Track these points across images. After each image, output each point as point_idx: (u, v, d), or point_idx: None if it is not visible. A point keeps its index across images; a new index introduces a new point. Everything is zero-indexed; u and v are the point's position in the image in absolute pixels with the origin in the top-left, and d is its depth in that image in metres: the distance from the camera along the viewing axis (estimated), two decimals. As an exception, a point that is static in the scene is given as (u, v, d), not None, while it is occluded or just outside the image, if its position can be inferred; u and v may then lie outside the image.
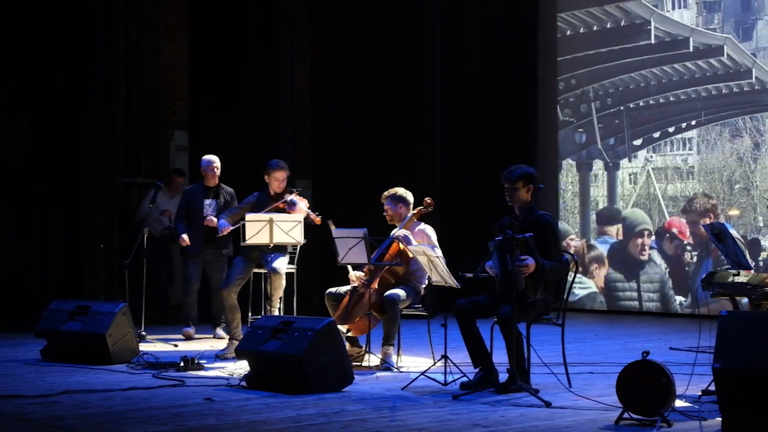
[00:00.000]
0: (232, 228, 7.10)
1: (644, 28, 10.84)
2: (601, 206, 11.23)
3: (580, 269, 10.55)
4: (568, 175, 11.42)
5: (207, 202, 7.85)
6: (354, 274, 6.40)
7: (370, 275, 6.30)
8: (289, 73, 9.77)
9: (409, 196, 6.50)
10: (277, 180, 7.03)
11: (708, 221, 9.88)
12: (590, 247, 11.10)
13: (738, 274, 5.32)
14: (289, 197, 6.94)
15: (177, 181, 9.06)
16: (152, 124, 11.54)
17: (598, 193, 11.26)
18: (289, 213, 6.87)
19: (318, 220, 6.92)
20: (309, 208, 6.98)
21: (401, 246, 6.22)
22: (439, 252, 6.09)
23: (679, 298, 10.42)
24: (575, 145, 11.40)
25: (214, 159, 7.92)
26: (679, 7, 10.66)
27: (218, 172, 7.85)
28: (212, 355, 6.71)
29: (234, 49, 9.63)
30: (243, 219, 6.85)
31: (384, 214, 6.46)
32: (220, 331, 7.80)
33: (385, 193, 6.47)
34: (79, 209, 8.60)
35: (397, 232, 6.39)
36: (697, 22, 10.53)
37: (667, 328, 9.12)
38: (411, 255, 6.15)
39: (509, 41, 11.18)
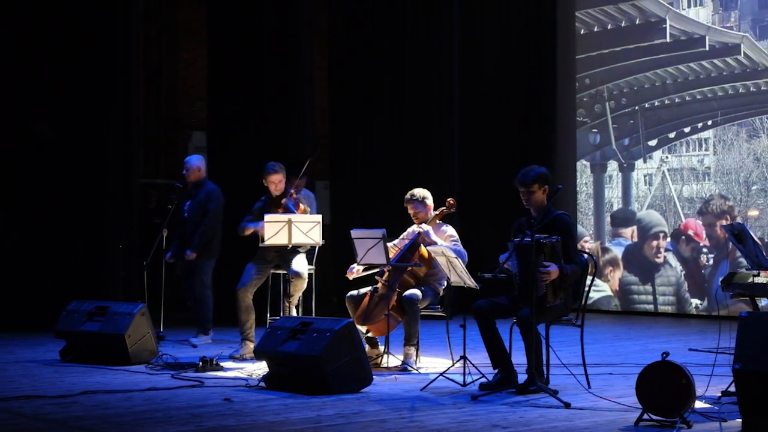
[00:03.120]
0: (253, 228, 7.02)
1: (659, 27, 10.78)
2: (615, 208, 11.17)
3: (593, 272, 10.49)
4: (582, 176, 11.37)
5: (187, 203, 7.83)
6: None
7: (393, 276, 6.31)
8: (308, 73, 9.79)
9: (431, 196, 6.53)
10: (273, 183, 7.04)
11: (725, 223, 9.83)
12: (605, 250, 11.03)
13: (758, 275, 5.29)
14: (286, 201, 6.95)
15: (294, 182, 9.06)
16: (171, 125, 11.59)
17: (613, 194, 11.20)
18: None
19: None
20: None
21: (424, 249, 6.24)
22: (459, 247, 6.16)
23: (695, 301, 10.34)
24: (589, 146, 11.35)
25: (187, 159, 7.93)
26: (695, 5, 10.60)
27: (188, 173, 7.78)
28: (225, 357, 6.68)
29: (252, 49, 9.66)
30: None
31: (414, 217, 6.46)
32: (198, 339, 7.70)
33: (409, 196, 6.47)
34: (99, 210, 8.66)
35: (418, 228, 6.41)
36: (714, 20, 10.46)
37: (686, 330, 9.09)
38: (428, 256, 6.17)
39: (527, 40, 11.16)
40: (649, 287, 10.67)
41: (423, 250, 6.26)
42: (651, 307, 10.65)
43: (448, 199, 6.50)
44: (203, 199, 7.77)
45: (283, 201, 6.97)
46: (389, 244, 6.38)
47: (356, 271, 6.47)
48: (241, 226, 7.10)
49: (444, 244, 6.15)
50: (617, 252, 10.99)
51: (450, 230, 6.45)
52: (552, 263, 5.21)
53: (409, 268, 6.29)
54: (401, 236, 6.58)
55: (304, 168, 7.15)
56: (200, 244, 7.70)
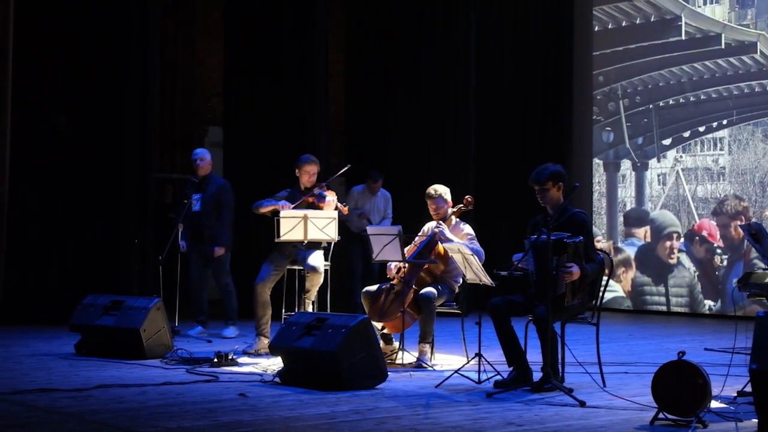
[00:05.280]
0: (271, 207, 6.99)
1: (675, 24, 10.72)
2: (628, 207, 11.11)
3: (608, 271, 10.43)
4: (595, 175, 11.31)
5: (195, 196, 7.87)
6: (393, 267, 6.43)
7: (410, 273, 6.31)
8: (324, 69, 9.80)
9: (449, 193, 6.54)
10: (308, 173, 7.05)
11: (739, 223, 9.76)
12: (617, 250, 10.96)
13: (775, 275, 5.27)
14: (317, 190, 6.97)
15: (372, 185, 9.34)
16: (187, 121, 11.63)
17: (626, 193, 11.14)
18: (318, 206, 6.90)
19: (345, 210, 6.99)
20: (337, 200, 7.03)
21: (441, 246, 6.24)
22: (477, 245, 6.15)
23: (708, 303, 10.28)
24: (603, 144, 11.30)
25: (198, 152, 8.02)
26: (711, 3, 10.53)
27: (203, 164, 7.87)
28: (239, 352, 6.66)
29: (269, 45, 9.69)
30: (277, 214, 6.88)
31: (434, 213, 6.46)
32: (228, 331, 7.76)
33: (431, 192, 6.47)
34: (114, 205, 8.71)
35: (434, 227, 6.40)
36: (730, 18, 10.39)
37: (701, 329, 9.05)
38: (444, 253, 6.17)
39: (544, 36, 11.15)
40: (662, 288, 10.61)
41: (440, 247, 6.26)
42: (664, 308, 10.58)
43: (466, 197, 6.52)
44: (215, 192, 7.83)
45: (315, 190, 6.97)
46: (407, 249, 6.39)
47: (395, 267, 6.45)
48: (256, 203, 7.08)
49: (460, 242, 6.15)
50: (630, 252, 10.93)
51: (467, 228, 6.46)
52: (574, 264, 5.20)
53: (426, 266, 6.29)
54: (419, 234, 6.58)
55: (337, 174, 7.17)
56: (226, 238, 7.78)
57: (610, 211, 11.21)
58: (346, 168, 7.10)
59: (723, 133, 10.49)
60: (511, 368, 5.42)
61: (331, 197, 6.93)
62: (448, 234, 6.29)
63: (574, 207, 5.65)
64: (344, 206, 7.00)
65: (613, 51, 11.23)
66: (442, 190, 6.48)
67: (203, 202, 7.83)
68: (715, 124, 10.55)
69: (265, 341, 6.77)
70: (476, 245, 6.26)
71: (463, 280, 6.14)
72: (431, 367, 6.17)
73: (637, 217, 10.99)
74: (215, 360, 6.08)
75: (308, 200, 6.96)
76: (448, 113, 10.69)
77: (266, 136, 9.59)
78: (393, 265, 6.44)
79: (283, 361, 5.66)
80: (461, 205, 6.48)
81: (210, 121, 11.53)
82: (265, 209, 6.99)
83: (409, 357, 6.32)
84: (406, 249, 6.38)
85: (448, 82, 10.69)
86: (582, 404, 4.88)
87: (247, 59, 9.78)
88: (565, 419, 4.58)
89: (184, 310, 8.06)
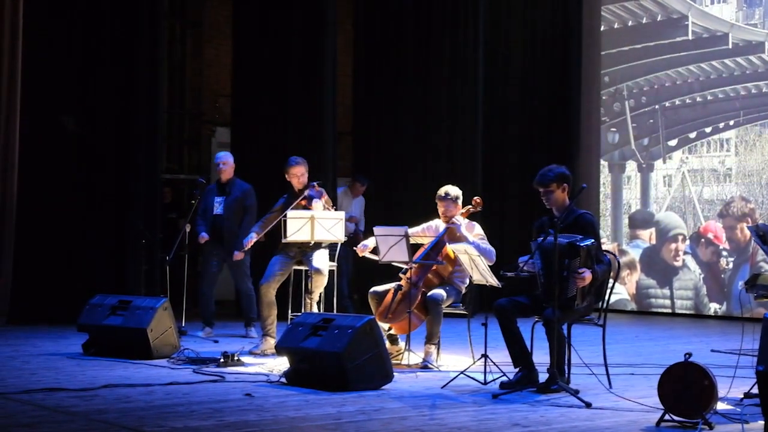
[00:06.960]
0: (256, 238, 7.11)
1: (681, 24, 10.70)
2: (633, 209, 11.08)
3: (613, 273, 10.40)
4: (600, 177, 11.29)
5: (218, 199, 7.82)
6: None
7: (418, 275, 6.32)
8: (332, 70, 9.81)
9: (461, 196, 6.55)
10: (296, 176, 7.08)
11: (746, 225, 9.73)
12: (622, 252, 10.93)
13: (782, 277, 5.26)
14: (308, 191, 6.99)
15: (358, 188, 9.56)
16: (195, 121, 11.66)
17: (631, 195, 11.12)
18: (309, 207, 6.92)
19: (332, 209, 7.02)
20: (325, 201, 7.04)
21: (449, 249, 6.24)
22: (488, 245, 6.20)
23: (713, 306, 10.25)
24: (608, 145, 11.28)
25: (222, 155, 7.96)
26: (719, 2, 10.50)
27: (226, 168, 7.82)
28: (246, 352, 6.67)
29: (277, 46, 9.70)
30: (272, 223, 6.92)
31: (443, 215, 6.46)
32: (252, 331, 7.82)
33: (443, 194, 6.46)
34: (122, 205, 8.72)
35: (449, 222, 6.42)
36: (737, 18, 10.37)
37: (708, 331, 9.06)
38: (453, 255, 6.18)
39: (553, 36, 11.17)
40: (667, 291, 10.58)
41: (448, 249, 6.26)
42: (669, 311, 10.55)
43: (475, 198, 6.52)
44: (240, 197, 7.80)
45: (306, 192, 7.00)
46: (410, 231, 6.39)
47: (368, 248, 6.48)
48: (244, 241, 7.21)
49: (473, 240, 6.17)
50: (635, 254, 10.90)
51: (477, 228, 6.46)
52: (586, 269, 5.20)
53: (434, 267, 6.30)
54: (423, 226, 6.59)
55: (306, 188, 7.17)
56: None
57: (614, 212, 11.19)
58: (315, 183, 7.09)
59: (729, 134, 10.46)
60: (517, 369, 5.43)
61: (319, 200, 6.94)
62: (464, 230, 6.29)
63: (580, 208, 5.65)
64: (332, 207, 7.03)
65: (618, 51, 11.21)
66: (454, 193, 6.45)
67: (227, 205, 7.77)
68: (721, 125, 10.51)
69: (272, 341, 6.79)
70: (487, 245, 6.28)
71: (470, 281, 6.15)
72: (437, 368, 6.18)
73: (642, 219, 10.96)
74: (222, 360, 6.10)
75: (302, 203, 6.97)
76: (455, 114, 10.69)
77: (274, 137, 9.61)
78: (368, 246, 6.49)
79: (289, 362, 5.67)
80: (470, 206, 6.48)
81: (218, 122, 11.54)
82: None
83: (414, 358, 6.32)
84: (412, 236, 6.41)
85: (455, 83, 10.69)
86: (588, 405, 4.89)
87: (255, 60, 9.80)
88: (570, 420, 4.59)
89: (191, 311, 8.08)
